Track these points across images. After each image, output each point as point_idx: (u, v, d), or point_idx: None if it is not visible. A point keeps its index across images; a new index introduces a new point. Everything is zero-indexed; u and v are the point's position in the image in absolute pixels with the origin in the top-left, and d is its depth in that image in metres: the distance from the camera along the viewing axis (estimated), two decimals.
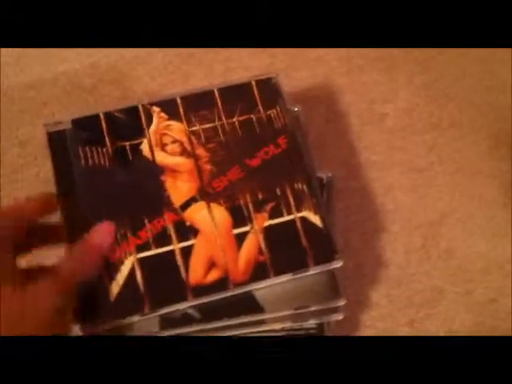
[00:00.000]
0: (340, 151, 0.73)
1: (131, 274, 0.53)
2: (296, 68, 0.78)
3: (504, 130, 0.74)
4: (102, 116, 0.59)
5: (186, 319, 0.54)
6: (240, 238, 0.54)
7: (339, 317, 0.56)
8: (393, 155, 0.73)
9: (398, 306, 0.66)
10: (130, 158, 0.57)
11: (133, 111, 0.60)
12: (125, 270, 0.53)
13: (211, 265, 0.54)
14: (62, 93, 0.75)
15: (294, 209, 0.56)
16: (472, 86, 0.77)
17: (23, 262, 0.49)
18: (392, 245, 0.68)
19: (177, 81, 0.77)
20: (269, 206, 0.56)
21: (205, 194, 0.56)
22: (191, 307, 0.54)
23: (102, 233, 0.52)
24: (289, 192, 0.57)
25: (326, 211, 0.57)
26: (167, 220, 0.55)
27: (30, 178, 0.70)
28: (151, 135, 0.58)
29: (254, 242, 0.55)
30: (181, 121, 0.59)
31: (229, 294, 0.53)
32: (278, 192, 0.56)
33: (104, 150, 0.57)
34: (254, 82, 0.61)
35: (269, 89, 0.61)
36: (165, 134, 0.59)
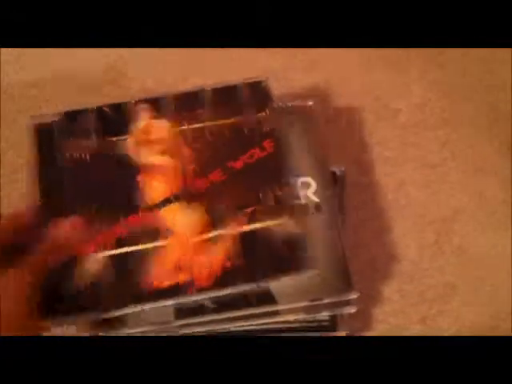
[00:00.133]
0: (352, 147, 0.73)
1: (97, 271, 0.52)
2: (311, 64, 0.78)
3: None
4: (91, 110, 0.59)
5: (200, 309, 0.54)
6: (214, 242, 0.54)
7: (352, 310, 0.57)
8: (405, 151, 0.73)
9: (411, 302, 0.66)
10: (114, 153, 0.57)
11: (122, 108, 0.59)
12: (92, 265, 0.53)
13: (179, 267, 0.53)
14: (61, 92, 0.76)
15: (272, 215, 0.55)
16: (485, 81, 0.77)
17: None
18: (405, 240, 0.68)
19: (177, 80, 0.77)
20: (248, 211, 0.55)
21: (185, 195, 0.55)
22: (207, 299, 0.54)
23: (67, 228, 0.52)
24: (270, 197, 0.56)
25: (304, 219, 0.57)
26: (141, 219, 0.54)
27: None
28: (136, 132, 0.58)
29: (224, 247, 0.54)
30: (168, 119, 0.59)
31: (192, 298, 0.52)
32: (259, 197, 0.56)
33: (89, 144, 0.57)
34: (243, 85, 0.61)
35: (259, 92, 0.61)
36: (150, 132, 0.58)
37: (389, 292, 0.66)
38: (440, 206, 0.70)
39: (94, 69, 0.78)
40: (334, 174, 0.64)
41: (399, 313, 0.65)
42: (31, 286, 0.47)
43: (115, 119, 0.59)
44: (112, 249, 0.53)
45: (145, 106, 0.60)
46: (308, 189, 0.60)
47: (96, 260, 0.52)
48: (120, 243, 0.53)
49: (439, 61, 0.79)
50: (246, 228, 0.54)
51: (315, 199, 0.59)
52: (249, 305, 0.54)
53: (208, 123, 0.59)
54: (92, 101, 0.72)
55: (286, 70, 0.78)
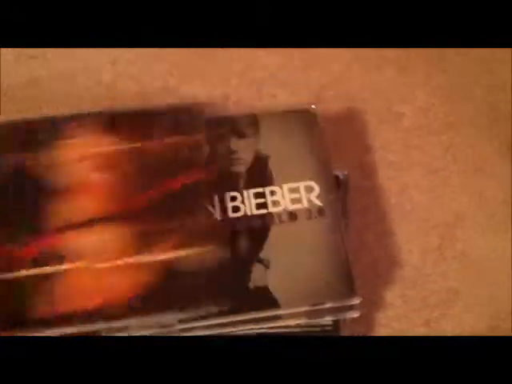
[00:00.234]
0: (356, 150, 0.73)
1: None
2: (313, 66, 0.78)
3: None
4: (21, 123, 0.58)
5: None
6: (134, 267, 0.53)
7: (355, 314, 0.56)
8: (409, 155, 0.73)
9: (413, 307, 0.65)
10: (39, 170, 0.56)
11: (54, 121, 0.59)
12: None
13: (84, 292, 0.51)
14: (81, 87, 0.76)
15: (197, 242, 0.54)
16: (489, 86, 0.77)
17: None
18: (408, 245, 0.68)
19: (195, 78, 0.77)
20: (174, 237, 0.54)
21: (112, 216, 0.54)
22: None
23: None
24: (195, 224, 0.55)
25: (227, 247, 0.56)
26: (50, 241, 0.53)
27: None
28: (65, 149, 0.57)
29: (142, 274, 0.52)
30: (111, 136, 0.58)
31: (101, 327, 0.51)
32: (186, 223, 0.55)
33: (15, 159, 0.57)
34: (192, 105, 0.62)
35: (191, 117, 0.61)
36: (83, 149, 0.58)
37: (391, 297, 0.66)
38: (443, 210, 0.70)
39: (114, 65, 0.78)
40: (337, 177, 0.64)
41: (402, 318, 0.65)
42: None
43: (47, 133, 0.58)
44: (24, 269, 0.52)
45: (74, 123, 0.59)
46: (311, 193, 0.60)
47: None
48: (30, 264, 0.52)
49: (443, 65, 0.79)
50: (170, 255, 0.54)
51: (318, 203, 0.59)
52: (251, 309, 0.54)
53: (145, 143, 0.59)
54: (111, 97, 0.74)
55: (285, 70, 0.77)
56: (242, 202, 0.59)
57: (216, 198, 0.58)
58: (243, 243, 0.57)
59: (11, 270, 0.52)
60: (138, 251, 0.54)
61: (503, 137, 0.74)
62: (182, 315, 0.53)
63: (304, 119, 0.63)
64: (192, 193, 0.56)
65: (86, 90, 0.76)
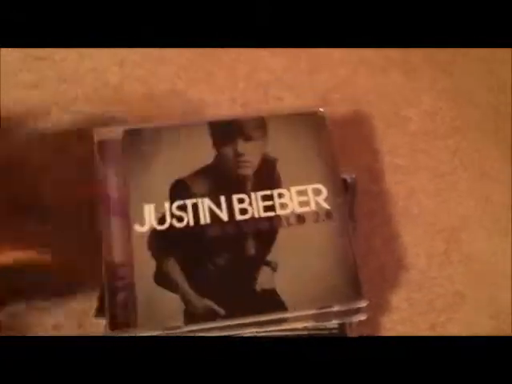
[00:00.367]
0: (363, 154, 0.73)
1: None
2: (320, 69, 0.78)
3: None
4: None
5: (209, 315, 0.54)
6: None
7: (362, 318, 0.56)
8: (416, 159, 0.73)
9: (419, 310, 0.65)
10: None
11: None
12: None
13: None
14: (89, 88, 0.76)
15: None
16: (495, 90, 0.77)
17: None
18: (414, 249, 0.68)
19: (202, 80, 0.77)
20: None
21: None
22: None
23: None
24: None
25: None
26: None
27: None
28: None
29: None
30: None
31: None
32: None
33: None
34: None
35: None
36: None
37: (397, 300, 0.66)
38: (450, 214, 0.70)
39: (121, 66, 0.78)
40: (344, 181, 0.64)
41: (407, 321, 0.65)
42: None
43: None
44: None
45: None
46: (319, 196, 0.60)
47: None
48: None
49: (449, 69, 0.79)
50: None
51: (326, 206, 0.59)
52: (258, 311, 0.54)
53: None
54: (118, 98, 0.74)
55: (291, 73, 0.78)
56: (250, 204, 0.59)
57: (223, 200, 0.59)
58: (251, 246, 0.57)
59: None
60: None
61: (510, 141, 0.74)
62: None
63: (312, 122, 0.63)
64: None
65: (112, 86, 0.76)
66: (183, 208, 0.58)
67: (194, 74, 0.78)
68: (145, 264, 0.56)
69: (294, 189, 0.60)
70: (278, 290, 0.55)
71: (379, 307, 0.65)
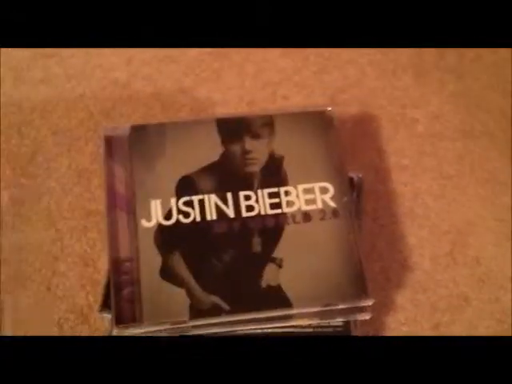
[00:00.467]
0: (369, 154, 0.73)
1: None
2: (328, 70, 0.78)
3: None
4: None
5: (215, 310, 0.54)
6: None
7: (366, 316, 0.56)
8: (422, 160, 0.73)
9: (423, 311, 0.65)
10: None
11: None
12: None
13: None
14: (97, 85, 0.76)
15: None
16: (504, 93, 0.77)
17: None
18: (419, 250, 0.68)
19: (210, 78, 0.77)
20: None
21: None
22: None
23: None
24: None
25: None
26: None
27: (62, 169, 0.71)
28: None
29: None
30: None
31: None
32: None
33: None
34: None
35: None
36: None
37: (402, 301, 0.66)
38: (455, 216, 0.70)
39: (129, 64, 0.78)
40: (351, 180, 0.64)
41: (412, 321, 0.65)
42: None
43: None
44: None
45: None
46: (325, 194, 0.60)
47: None
48: None
49: (459, 73, 0.79)
50: None
51: (332, 204, 0.59)
52: (263, 307, 0.54)
53: None
54: (126, 96, 0.75)
55: (300, 73, 0.78)
56: (256, 201, 0.59)
57: (230, 197, 0.59)
58: (256, 242, 0.57)
59: None
60: None
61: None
62: None
63: (320, 121, 0.63)
64: None
65: (120, 84, 0.77)
66: (190, 204, 0.58)
67: (201, 73, 0.78)
68: (151, 259, 0.56)
69: (300, 187, 0.60)
70: (283, 287, 0.55)
71: (384, 307, 0.65)
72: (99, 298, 0.59)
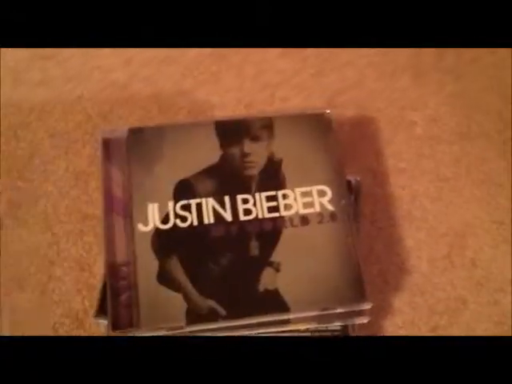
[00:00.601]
0: (367, 156, 0.73)
1: None
2: (327, 72, 0.78)
3: None
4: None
5: (212, 315, 0.54)
6: None
7: (364, 320, 0.56)
8: (420, 163, 0.73)
9: (421, 314, 0.65)
10: None
11: None
12: None
13: None
14: (96, 87, 0.76)
15: None
16: (501, 96, 0.77)
17: None
18: (417, 252, 0.68)
19: (209, 81, 0.77)
20: None
21: None
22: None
23: None
24: None
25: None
26: None
27: (59, 172, 0.71)
28: None
29: None
30: None
31: None
32: None
33: None
34: None
35: None
36: None
37: (399, 304, 0.66)
38: (453, 218, 0.70)
39: (128, 65, 0.78)
40: (349, 183, 0.64)
41: (409, 324, 0.65)
42: None
43: None
44: None
45: None
46: (323, 197, 0.60)
47: None
48: None
49: (457, 75, 0.79)
50: None
51: (330, 208, 0.59)
52: (261, 312, 0.54)
53: None
54: (125, 97, 0.75)
55: (299, 75, 0.78)
56: (254, 204, 0.59)
57: (227, 201, 0.59)
58: (254, 246, 0.57)
59: None
60: None
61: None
62: None
63: (318, 124, 0.63)
64: None
65: (119, 85, 0.77)
66: (187, 208, 0.58)
67: (200, 75, 0.78)
68: (148, 263, 0.56)
69: (298, 190, 0.60)
70: (280, 291, 0.55)
71: (382, 310, 0.64)
72: (95, 303, 0.59)
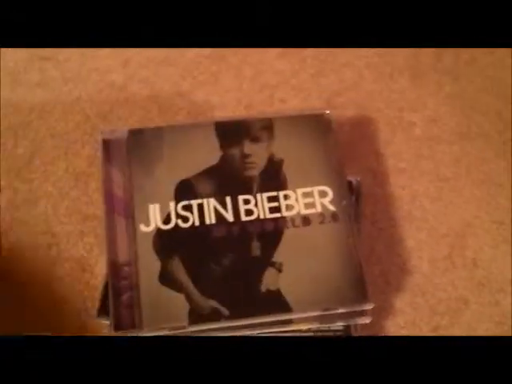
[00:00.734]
0: (367, 157, 0.73)
1: None
2: (325, 73, 0.78)
3: None
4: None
5: (214, 315, 0.54)
6: None
7: (366, 320, 0.56)
8: (420, 163, 0.73)
9: (422, 315, 0.65)
10: None
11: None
12: None
13: None
14: (94, 88, 0.76)
15: None
16: (500, 96, 0.77)
17: None
18: (418, 252, 0.68)
19: (207, 81, 0.77)
20: None
21: None
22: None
23: None
24: None
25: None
26: None
27: (59, 173, 0.71)
28: None
29: None
30: None
31: None
32: None
33: None
34: None
35: None
36: None
37: (401, 304, 0.66)
38: (453, 219, 0.70)
39: (126, 66, 0.78)
40: (350, 183, 0.64)
41: (411, 325, 0.65)
42: None
43: None
44: None
45: None
46: (325, 198, 0.60)
47: None
48: None
49: (455, 75, 0.79)
50: None
51: (332, 208, 0.59)
52: (263, 312, 0.54)
53: None
54: (123, 98, 0.74)
55: (297, 76, 0.78)
56: (256, 205, 0.59)
57: (229, 201, 0.58)
58: (256, 246, 0.57)
59: None
60: None
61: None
62: None
63: (318, 124, 0.63)
64: None
65: (117, 86, 0.76)
66: (188, 208, 0.58)
67: (199, 76, 0.78)
68: (149, 264, 0.56)
69: (299, 190, 0.60)
70: (282, 291, 0.55)
71: (383, 310, 0.64)
72: (97, 303, 0.59)
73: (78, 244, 0.66)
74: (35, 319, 0.63)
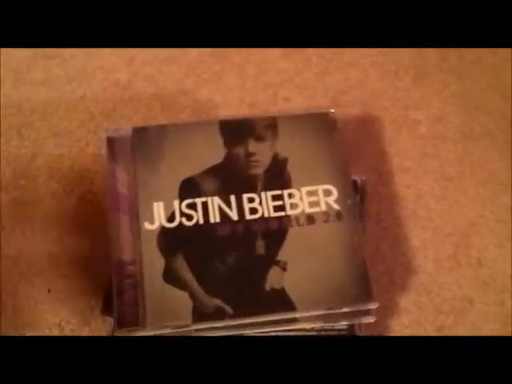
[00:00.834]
0: (372, 156, 0.73)
1: None
2: (330, 72, 0.78)
3: None
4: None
5: (218, 313, 0.54)
6: None
7: (371, 320, 0.56)
8: (425, 162, 0.73)
9: (427, 314, 0.65)
10: None
11: None
12: None
13: None
14: (98, 86, 0.76)
15: None
16: (504, 95, 0.77)
17: None
18: (422, 252, 0.68)
19: (210, 80, 0.77)
20: None
21: None
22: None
23: None
24: None
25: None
26: None
27: (64, 170, 0.71)
28: None
29: None
30: None
31: None
32: None
33: None
34: None
35: None
36: None
37: (405, 303, 0.65)
38: (458, 218, 0.70)
39: (130, 64, 0.78)
40: (355, 182, 0.64)
41: (415, 324, 0.64)
42: None
43: None
44: None
45: None
46: (329, 196, 0.59)
47: None
48: None
49: (460, 74, 0.79)
50: None
51: (336, 207, 0.59)
52: (267, 311, 0.54)
53: None
54: (127, 97, 0.74)
55: (302, 75, 0.78)
56: (260, 203, 0.58)
57: (233, 200, 0.58)
58: (260, 245, 0.57)
59: None
60: None
61: None
62: None
63: (323, 123, 0.63)
64: None
65: (121, 85, 0.76)
66: (193, 206, 0.58)
67: (202, 74, 0.78)
68: (154, 262, 0.56)
69: (304, 189, 0.59)
70: (287, 290, 0.55)
71: (387, 310, 0.64)
72: (101, 301, 0.59)
73: (82, 241, 0.66)
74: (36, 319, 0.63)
